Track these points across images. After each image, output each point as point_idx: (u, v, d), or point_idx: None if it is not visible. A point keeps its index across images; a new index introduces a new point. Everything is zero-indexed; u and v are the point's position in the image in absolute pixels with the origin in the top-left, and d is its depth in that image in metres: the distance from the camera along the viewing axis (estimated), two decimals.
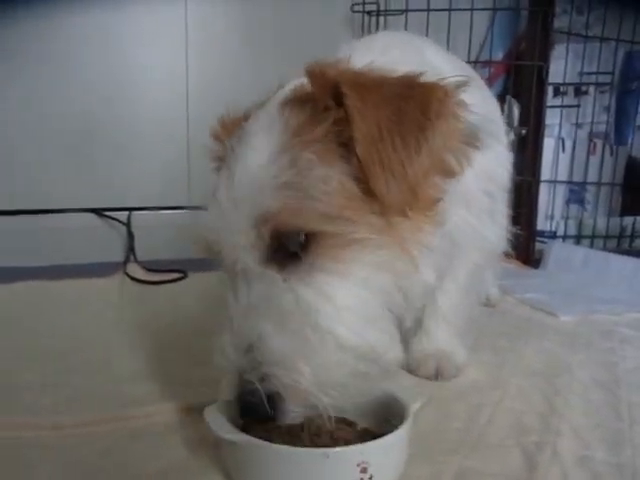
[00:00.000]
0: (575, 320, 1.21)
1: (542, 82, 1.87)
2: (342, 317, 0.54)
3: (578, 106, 2.12)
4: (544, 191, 2.07)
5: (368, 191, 0.54)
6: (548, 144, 2.05)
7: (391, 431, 0.55)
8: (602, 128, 2.12)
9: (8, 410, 0.73)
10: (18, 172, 1.68)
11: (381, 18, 1.82)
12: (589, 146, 2.10)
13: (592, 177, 2.12)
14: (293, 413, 0.52)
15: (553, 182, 2.11)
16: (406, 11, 1.80)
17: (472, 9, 1.81)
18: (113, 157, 1.77)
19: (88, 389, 0.81)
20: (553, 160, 2.10)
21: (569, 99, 2.13)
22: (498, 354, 0.98)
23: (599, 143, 2.13)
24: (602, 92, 2.13)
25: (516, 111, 1.95)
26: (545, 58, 1.86)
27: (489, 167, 0.78)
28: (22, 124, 1.67)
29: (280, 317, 0.53)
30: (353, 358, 0.54)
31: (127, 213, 1.77)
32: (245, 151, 0.56)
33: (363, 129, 0.53)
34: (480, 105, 0.80)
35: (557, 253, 1.79)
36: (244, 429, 0.55)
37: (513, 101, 1.95)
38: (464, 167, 0.61)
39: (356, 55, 0.70)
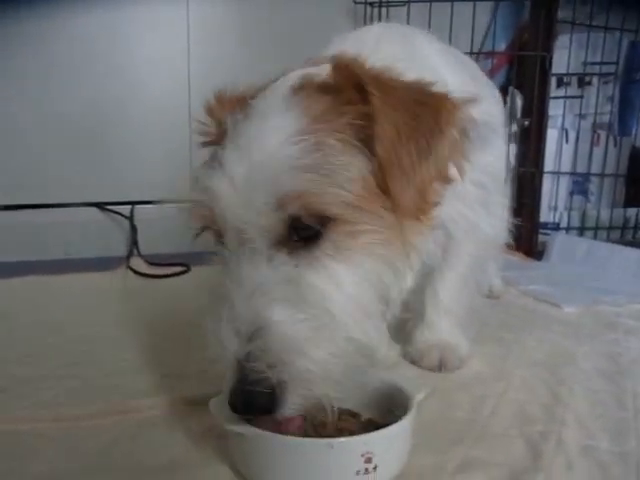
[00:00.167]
0: (579, 311, 1.21)
1: (545, 73, 1.86)
2: (350, 308, 0.54)
3: (581, 97, 2.10)
4: (547, 182, 2.07)
5: (381, 187, 0.55)
6: (551, 135, 2.04)
7: (395, 422, 0.55)
8: (606, 119, 2.11)
9: (9, 404, 0.74)
10: (20, 167, 1.68)
11: (383, 9, 1.81)
12: (593, 137, 2.09)
13: (596, 168, 2.11)
14: (293, 405, 0.50)
15: (556, 173, 2.10)
16: (409, 2, 1.79)
17: (475, 0, 1.80)
18: (115, 152, 1.77)
19: (90, 382, 0.81)
20: (556, 151, 2.09)
21: (572, 90, 2.12)
22: (502, 345, 0.98)
23: (603, 134, 2.11)
24: (606, 82, 2.12)
25: (519, 102, 1.94)
26: (548, 48, 1.85)
27: (482, 159, 0.78)
28: (25, 120, 1.67)
29: (289, 303, 0.51)
30: (354, 350, 0.54)
31: (130, 207, 1.77)
32: (261, 130, 0.55)
33: (386, 129, 0.54)
34: (470, 92, 0.80)
35: (560, 244, 1.79)
36: (249, 420, 0.54)
37: (516, 92, 1.94)
38: (462, 175, 0.62)
39: (347, 49, 0.71)
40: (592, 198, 2.18)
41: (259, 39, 1.81)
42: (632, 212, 2.17)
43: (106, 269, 1.52)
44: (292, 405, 0.50)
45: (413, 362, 0.89)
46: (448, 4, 1.79)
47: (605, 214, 2.11)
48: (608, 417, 0.72)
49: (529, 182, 1.92)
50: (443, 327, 0.90)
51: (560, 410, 0.74)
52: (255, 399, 0.49)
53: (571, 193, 2.16)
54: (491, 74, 1.91)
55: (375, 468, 0.53)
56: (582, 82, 2.12)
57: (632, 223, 2.16)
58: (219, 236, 0.57)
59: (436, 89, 0.59)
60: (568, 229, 2.10)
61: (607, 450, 0.64)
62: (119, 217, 1.77)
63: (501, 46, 2.05)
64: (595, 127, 2.10)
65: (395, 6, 1.81)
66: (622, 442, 0.66)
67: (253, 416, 0.51)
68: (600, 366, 0.90)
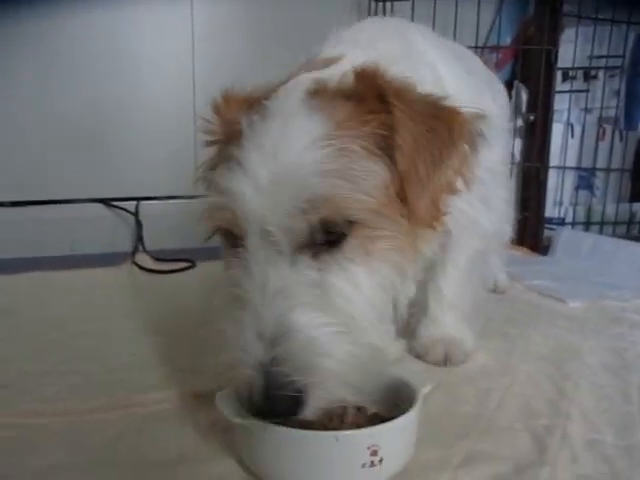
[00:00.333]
0: (584, 306, 1.21)
1: (551, 67, 1.85)
2: (368, 312, 0.55)
3: (587, 91, 2.09)
4: (553, 177, 2.06)
5: (398, 195, 0.57)
6: (557, 130, 2.03)
7: (401, 415, 0.55)
8: (612, 113, 2.09)
9: (12, 398, 0.74)
10: (26, 165, 1.69)
11: (388, 4, 1.81)
12: (598, 131, 2.08)
13: (601, 163, 2.09)
14: (316, 408, 0.51)
15: (562, 168, 2.09)
16: None
17: None
18: (121, 148, 1.77)
19: (94, 377, 0.81)
20: (562, 146, 2.08)
21: (578, 84, 2.10)
22: (507, 340, 0.98)
23: (609, 128, 2.10)
24: (612, 76, 2.10)
25: (524, 97, 1.93)
26: (554, 42, 1.84)
27: (480, 155, 0.78)
28: (30, 119, 1.68)
29: (313, 307, 0.51)
30: (370, 353, 0.54)
31: (135, 203, 1.78)
32: (285, 132, 0.55)
33: (406, 140, 0.56)
34: (468, 89, 0.80)
35: (566, 239, 1.78)
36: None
37: (521, 86, 1.93)
38: (470, 188, 0.63)
39: (343, 48, 0.72)
40: (598, 193, 2.17)
41: (263, 38, 1.81)
42: (638, 207, 2.16)
43: (111, 265, 1.52)
44: (315, 407, 0.50)
45: (418, 357, 0.89)
46: None
47: (611, 209, 2.09)
48: (613, 411, 0.72)
49: (534, 177, 1.92)
50: (447, 322, 0.90)
51: (565, 404, 0.74)
52: (282, 403, 0.49)
53: (577, 188, 2.15)
54: (496, 68, 1.90)
55: (381, 461, 0.53)
56: (588, 76, 2.11)
57: (638, 218, 2.15)
58: (238, 238, 0.56)
59: (448, 103, 0.61)
60: (573, 224, 2.09)
61: (612, 444, 0.64)
62: (124, 213, 1.77)
63: (506, 40, 2.04)
64: (601, 121, 2.09)
65: (399, 0, 1.80)
66: (627, 436, 0.66)
67: (278, 420, 0.51)
68: (605, 361, 0.90)
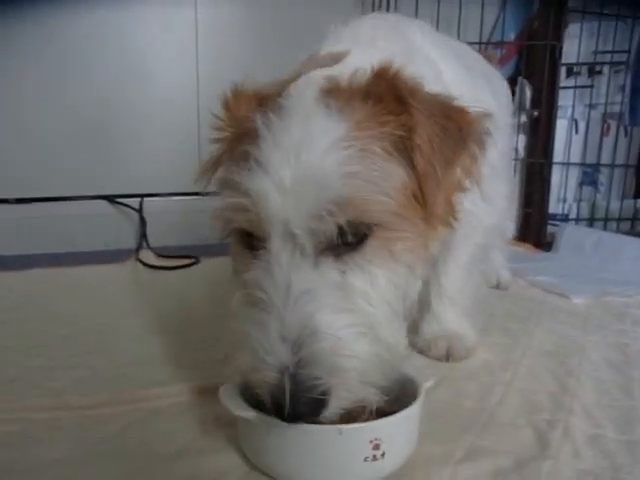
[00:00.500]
0: (587, 302, 1.21)
1: (555, 62, 1.84)
2: (388, 313, 0.56)
3: (592, 86, 2.08)
4: (557, 173, 2.05)
5: (415, 195, 0.57)
6: (561, 125, 2.02)
7: (403, 409, 0.56)
8: (616, 109, 2.08)
9: (19, 393, 0.75)
10: (30, 160, 1.69)
11: (392, 1, 1.80)
12: (603, 127, 2.07)
13: (605, 159, 2.09)
14: (338, 409, 0.51)
15: (566, 164, 2.08)
16: None
17: None
18: (124, 145, 1.78)
19: (100, 372, 0.82)
20: (566, 142, 2.07)
21: (583, 79, 2.09)
22: (509, 335, 0.98)
23: (613, 124, 2.09)
24: (617, 72, 2.09)
25: (528, 92, 1.92)
26: (558, 37, 1.83)
27: None
28: (36, 114, 1.68)
29: (337, 309, 0.51)
30: (388, 353, 0.55)
31: (139, 199, 1.78)
32: (306, 132, 0.54)
33: (424, 141, 0.56)
34: (467, 85, 0.80)
35: (569, 236, 1.78)
36: (258, 407, 0.55)
37: (525, 82, 1.92)
38: (480, 187, 0.64)
39: (343, 45, 0.72)
40: (602, 189, 2.16)
41: (265, 36, 1.81)
42: None
43: (115, 261, 1.53)
44: (337, 408, 0.51)
45: (421, 352, 0.89)
46: None
47: (615, 205, 2.09)
48: (615, 406, 0.73)
49: (538, 173, 1.91)
50: (449, 317, 0.90)
51: (567, 399, 0.74)
52: (306, 405, 0.49)
53: (581, 184, 2.15)
54: (500, 64, 1.89)
55: (383, 455, 0.53)
56: (592, 71, 2.10)
57: None
58: (257, 240, 0.55)
59: (457, 103, 0.61)
60: (577, 220, 2.08)
61: (614, 439, 0.64)
62: (128, 210, 1.78)
63: (510, 36, 2.03)
64: (605, 117, 2.08)
65: None
66: (629, 431, 0.66)
67: (302, 421, 0.51)
68: (608, 356, 0.90)
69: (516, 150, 1.90)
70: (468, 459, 0.60)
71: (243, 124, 0.60)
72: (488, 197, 0.82)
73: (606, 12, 1.96)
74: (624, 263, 1.56)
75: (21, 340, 0.95)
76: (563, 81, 2.00)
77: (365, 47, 0.72)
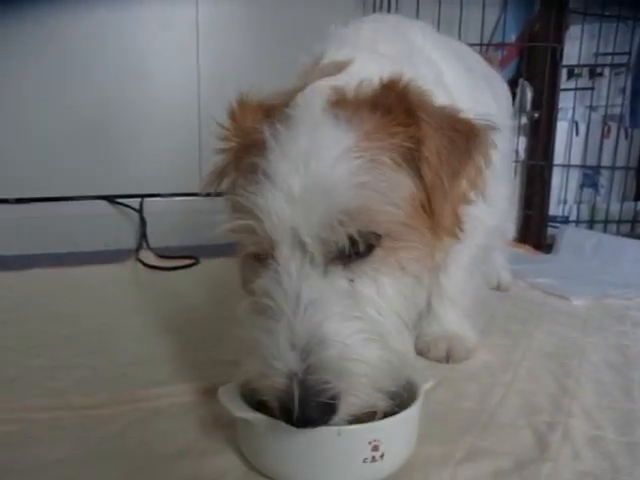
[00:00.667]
0: (587, 304, 1.21)
1: (556, 64, 1.84)
2: (396, 321, 0.56)
3: (592, 88, 2.08)
4: (557, 175, 2.05)
5: (423, 206, 0.58)
6: (561, 127, 2.02)
7: (403, 410, 0.56)
8: (617, 111, 2.08)
9: (19, 392, 0.75)
10: (31, 160, 1.69)
11: (392, 2, 1.80)
12: (603, 129, 2.07)
13: (606, 161, 2.09)
14: (347, 414, 0.51)
15: (566, 166, 2.08)
16: None
17: None
18: (125, 145, 1.78)
19: (101, 372, 0.82)
20: (566, 144, 2.07)
21: (583, 81, 2.09)
22: (509, 337, 0.98)
23: (613, 126, 2.09)
24: (617, 74, 2.09)
25: (529, 94, 1.92)
26: (559, 39, 1.83)
27: None
28: (36, 114, 1.68)
29: (345, 317, 0.52)
30: (397, 360, 0.55)
31: (139, 200, 1.79)
32: (315, 142, 0.54)
33: (432, 153, 0.57)
34: (467, 87, 0.80)
35: (569, 238, 1.78)
36: (257, 408, 0.55)
37: (526, 84, 1.92)
38: (485, 198, 0.65)
39: (345, 50, 0.72)
40: (602, 191, 2.16)
41: (266, 35, 1.81)
42: None
43: (115, 262, 1.53)
44: (346, 414, 0.51)
45: (421, 353, 0.89)
46: None
47: (615, 207, 2.09)
48: (615, 408, 0.73)
49: (538, 175, 1.91)
50: (450, 319, 0.90)
51: (567, 401, 0.74)
52: (315, 411, 0.49)
53: (581, 186, 2.15)
54: (501, 66, 1.89)
55: (382, 456, 0.53)
56: (593, 73, 2.10)
57: None
58: (268, 249, 0.55)
59: (464, 115, 0.62)
60: (577, 222, 2.08)
61: (614, 440, 0.64)
62: (128, 210, 1.78)
63: (511, 38, 2.03)
64: (606, 119, 2.08)
65: None
66: (629, 432, 0.66)
67: (312, 427, 0.50)
68: (608, 358, 0.90)
69: (517, 152, 1.90)
70: (468, 460, 0.59)
71: (250, 135, 0.61)
72: (489, 198, 0.82)
73: (607, 14, 1.96)
74: (624, 265, 1.56)
75: (21, 340, 0.95)
76: (564, 83, 2.00)
77: (367, 53, 0.72)
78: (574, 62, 2.00)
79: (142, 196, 1.80)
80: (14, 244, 1.65)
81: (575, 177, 2.13)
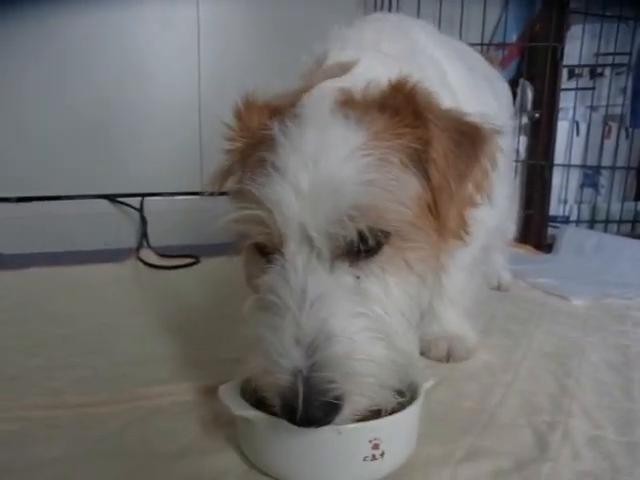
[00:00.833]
0: (587, 304, 1.21)
1: (556, 64, 1.84)
2: (401, 320, 0.56)
3: (593, 88, 2.08)
4: (557, 175, 2.05)
5: (429, 207, 0.58)
6: (562, 127, 2.02)
7: (403, 409, 0.56)
8: (617, 111, 2.08)
9: (18, 391, 0.75)
10: (31, 159, 1.70)
11: (393, 1, 1.80)
12: (604, 129, 2.07)
13: (606, 161, 2.09)
14: (353, 414, 0.50)
15: (567, 166, 2.08)
16: None
17: None
18: (125, 144, 1.78)
19: (100, 372, 0.82)
20: (567, 144, 2.06)
21: (584, 81, 2.09)
22: (510, 337, 0.98)
23: (614, 126, 2.09)
24: (618, 74, 2.09)
25: (530, 94, 1.92)
26: (560, 39, 1.83)
27: None
28: (36, 114, 1.68)
29: (351, 314, 0.51)
30: (402, 359, 0.55)
31: (140, 199, 1.79)
32: (325, 140, 0.55)
33: (440, 155, 0.57)
34: (469, 86, 0.80)
35: (570, 238, 1.78)
36: (257, 407, 0.55)
37: (527, 84, 1.92)
38: (491, 201, 0.65)
39: (349, 51, 0.73)
40: (603, 191, 2.16)
41: (267, 35, 1.81)
42: None
43: (116, 261, 1.53)
44: (350, 413, 0.50)
45: (421, 353, 0.89)
46: None
47: (616, 207, 2.09)
48: (615, 408, 0.72)
49: (539, 175, 1.91)
50: (450, 319, 0.90)
51: (567, 401, 0.74)
52: (319, 410, 0.48)
53: (581, 186, 2.15)
54: (502, 66, 1.89)
55: (382, 455, 0.53)
56: (594, 73, 2.10)
57: None
58: (275, 245, 0.55)
59: (471, 118, 0.62)
60: (578, 222, 2.08)
61: (614, 440, 0.64)
62: (129, 209, 1.78)
63: (512, 38, 2.03)
64: (607, 119, 2.08)
65: None
66: (629, 432, 0.66)
67: (315, 427, 0.50)
68: (608, 358, 0.90)
69: (517, 152, 1.90)
70: (468, 460, 0.59)
71: (257, 133, 0.61)
72: (490, 198, 0.82)
73: (608, 14, 1.95)
74: (624, 265, 1.56)
75: (20, 339, 0.95)
76: (564, 83, 1.99)
77: (371, 53, 0.72)
78: (575, 62, 2.00)
79: (142, 195, 1.80)
80: (14, 243, 1.65)
81: (576, 177, 2.13)
